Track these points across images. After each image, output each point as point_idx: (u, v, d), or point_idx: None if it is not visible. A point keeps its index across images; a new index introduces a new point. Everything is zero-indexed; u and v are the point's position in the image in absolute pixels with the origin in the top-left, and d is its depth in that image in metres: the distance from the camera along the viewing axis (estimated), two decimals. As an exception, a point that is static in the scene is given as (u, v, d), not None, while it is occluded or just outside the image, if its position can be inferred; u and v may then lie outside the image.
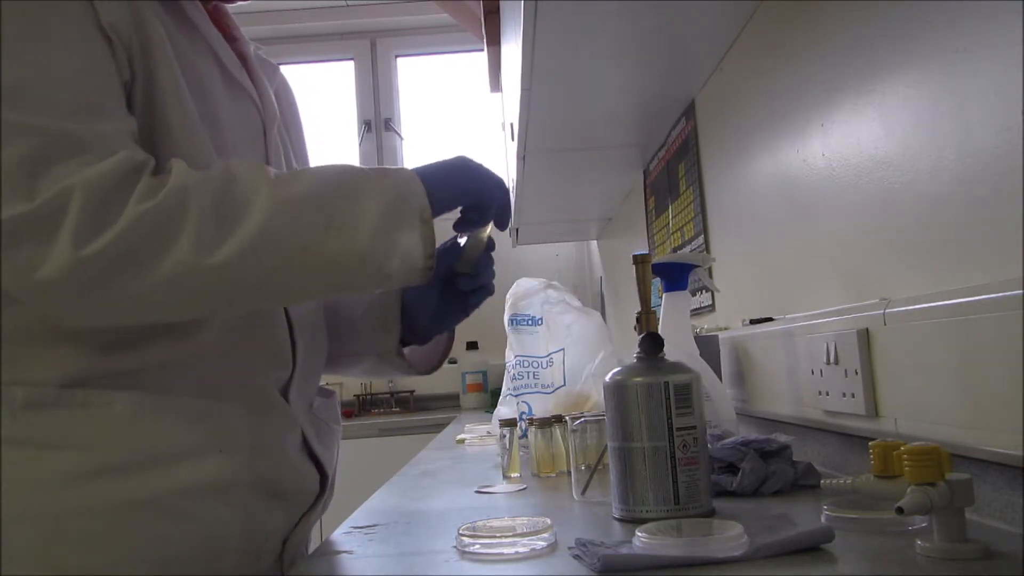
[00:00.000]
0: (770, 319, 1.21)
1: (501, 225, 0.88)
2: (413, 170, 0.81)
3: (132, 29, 0.75)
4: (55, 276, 0.65)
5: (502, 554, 0.72)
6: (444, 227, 0.84)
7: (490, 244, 0.94)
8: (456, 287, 0.96)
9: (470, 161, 0.85)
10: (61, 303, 0.69)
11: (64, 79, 0.71)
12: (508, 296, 1.61)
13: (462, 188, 0.84)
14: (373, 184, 0.77)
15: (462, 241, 0.95)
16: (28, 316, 0.74)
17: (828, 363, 0.95)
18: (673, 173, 1.87)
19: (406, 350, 1.02)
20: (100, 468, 0.73)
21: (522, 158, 1.95)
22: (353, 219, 0.74)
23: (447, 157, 0.85)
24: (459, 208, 0.85)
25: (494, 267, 0.96)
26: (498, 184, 0.86)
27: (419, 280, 0.79)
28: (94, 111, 0.71)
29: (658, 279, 1.20)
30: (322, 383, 1.00)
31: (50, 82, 0.70)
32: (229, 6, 0.96)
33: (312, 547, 0.83)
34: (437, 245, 0.81)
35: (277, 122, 0.94)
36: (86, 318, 0.71)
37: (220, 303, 0.75)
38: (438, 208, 0.79)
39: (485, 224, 0.89)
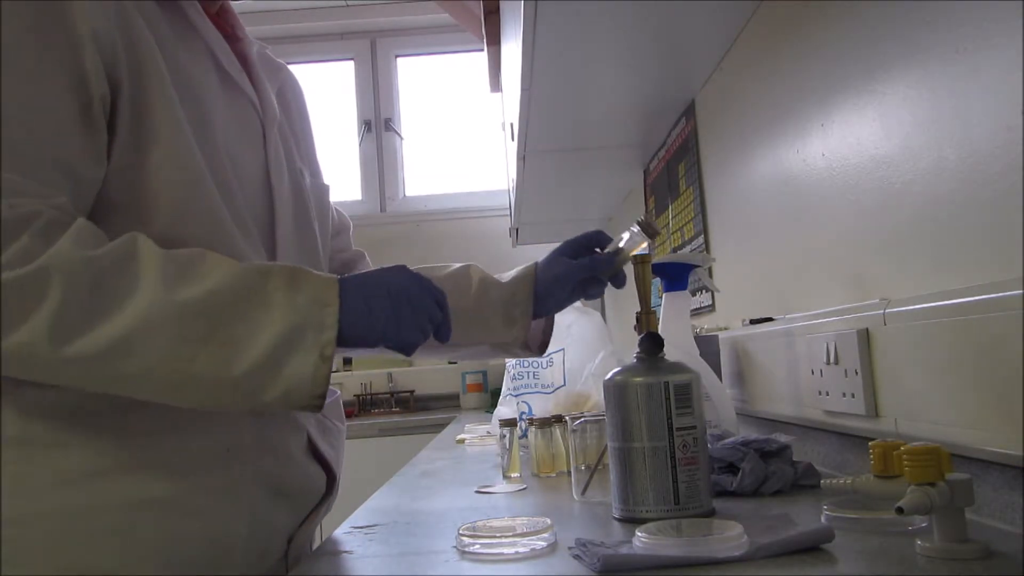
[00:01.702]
0: (770, 319, 1.21)
1: (440, 337, 0.80)
2: (334, 284, 0.73)
3: (118, 37, 0.73)
4: None
5: (502, 554, 0.72)
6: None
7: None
8: (580, 288, 1.01)
9: (397, 288, 0.76)
10: None
11: None
12: (508, 296, 1.62)
13: (380, 331, 0.75)
14: (278, 303, 0.70)
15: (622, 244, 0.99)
16: None
17: (828, 363, 0.95)
18: (673, 173, 1.87)
19: None
20: (107, 467, 0.73)
21: (522, 158, 1.95)
22: (239, 340, 0.68)
23: (384, 276, 0.78)
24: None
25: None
26: (425, 322, 0.78)
27: (305, 411, 0.72)
28: (15, 148, 0.67)
29: (658, 279, 1.20)
30: None
31: None
32: (234, 4, 0.95)
33: (313, 547, 0.83)
34: None
35: (277, 124, 0.92)
36: None
37: (75, 387, 0.70)
38: (346, 342, 0.72)
39: None
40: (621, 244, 0.99)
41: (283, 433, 0.85)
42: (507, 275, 1.07)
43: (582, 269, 1.00)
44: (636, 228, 0.96)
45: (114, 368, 0.67)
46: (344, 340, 0.72)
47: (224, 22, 0.92)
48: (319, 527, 0.96)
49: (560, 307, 1.06)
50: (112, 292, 0.67)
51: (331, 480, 0.93)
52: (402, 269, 0.82)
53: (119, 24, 0.74)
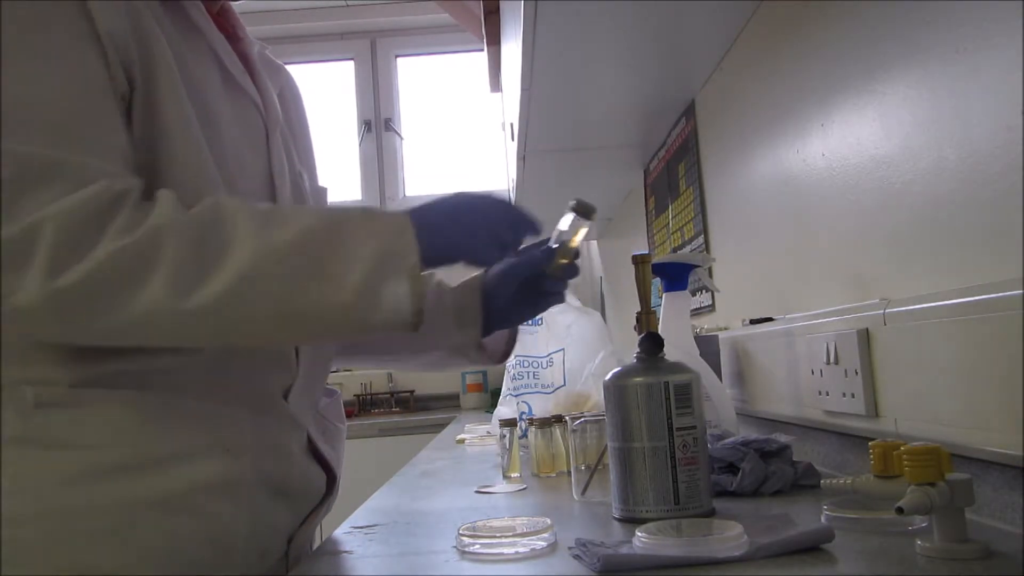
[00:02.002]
0: (770, 319, 1.21)
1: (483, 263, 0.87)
2: (406, 215, 0.77)
3: (131, 36, 0.74)
4: (28, 304, 0.65)
5: (502, 554, 0.72)
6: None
7: (576, 252, 0.93)
8: (533, 287, 0.98)
9: (468, 209, 0.82)
10: (37, 328, 0.69)
11: (48, 102, 0.69)
12: (508, 296, 1.62)
13: (455, 243, 0.81)
14: (361, 234, 0.74)
15: (554, 243, 0.95)
16: None
17: (828, 363, 0.95)
18: (673, 173, 1.87)
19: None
20: (109, 467, 0.73)
21: (522, 158, 1.95)
22: (338, 271, 0.72)
23: (446, 198, 0.83)
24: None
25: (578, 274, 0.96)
26: (504, 227, 0.84)
27: (406, 331, 0.76)
28: (75, 136, 0.70)
29: (658, 279, 1.20)
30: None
31: (33, 105, 0.69)
32: (234, 4, 0.95)
33: (313, 547, 0.83)
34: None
35: (280, 125, 0.93)
36: (65, 339, 0.72)
37: (193, 343, 0.74)
38: (429, 261, 0.77)
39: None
40: (562, 230, 0.94)
41: (283, 433, 0.85)
42: (457, 281, 1.07)
43: (523, 265, 0.98)
44: (571, 213, 0.93)
45: (233, 313, 0.70)
46: (427, 260, 0.76)
47: (225, 22, 0.92)
48: (319, 527, 0.96)
49: (512, 308, 1.02)
50: (216, 244, 0.70)
51: (331, 480, 0.93)
52: (484, 195, 0.85)
53: (131, 24, 0.75)
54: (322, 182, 1.06)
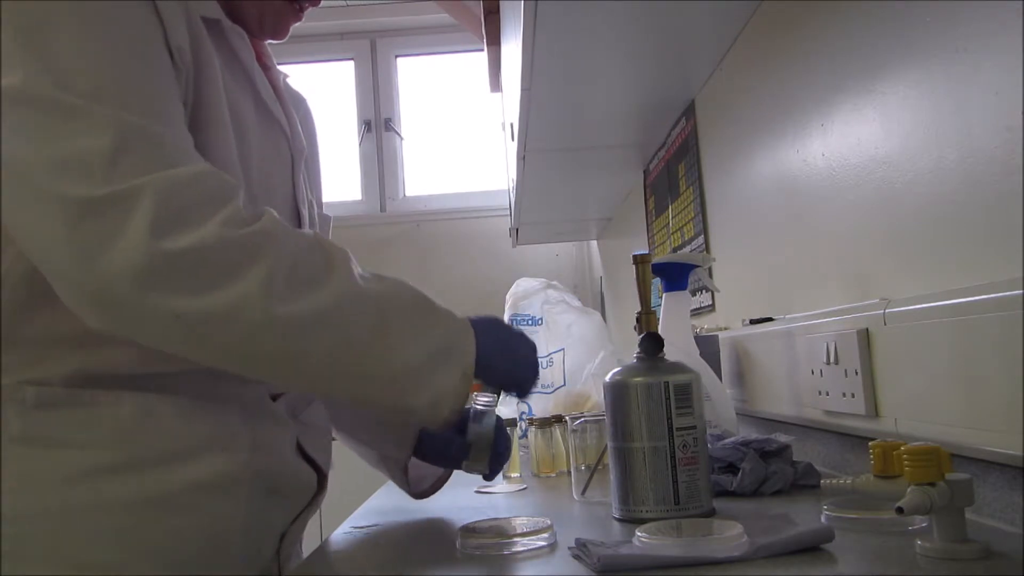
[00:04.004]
0: (770, 319, 1.21)
1: (521, 394, 0.87)
2: (470, 323, 0.81)
3: (190, 57, 0.76)
4: (121, 260, 0.64)
5: (502, 554, 0.72)
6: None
7: (500, 436, 0.87)
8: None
9: (521, 341, 0.86)
10: (110, 293, 0.66)
11: (144, 83, 0.71)
12: (508, 296, 1.61)
13: (504, 369, 0.84)
14: (439, 319, 0.78)
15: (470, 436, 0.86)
16: (41, 320, 0.74)
17: (828, 363, 0.95)
18: (673, 173, 1.87)
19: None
20: (108, 466, 0.73)
21: (522, 158, 1.95)
22: (406, 340, 0.74)
23: (502, 324, 0.86)
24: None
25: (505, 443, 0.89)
26: (534, 370, 0.86)
27: (436, 426, 0.78)
28: (171, 119, 0.72)
29: (658, 279, 1.20)
30: None
31: (131, 83, 0.70)
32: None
33: (313, 546, 0.83)
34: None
35: (304, 155, 0.95)
36: (116, 322, 0.69)
37: (245, 358, 0.71)
38: (479, 371, 0.79)
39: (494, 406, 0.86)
40: (474, 425, 0.85)
41: (274, 432, 0.85)
42: None
43: (440, 459, 0.95)
44: (484, 397, 0.85)
45: (306, 340, 0.70)
46: (476, 369, 0.78)
47: (257, 50, 0.93)
48: (319, 527, 0.96)
49: (445, 457, 0.95)
50: (313, 269, 0.72)
51: (321, 479, 0.93)
52: (517, 331, 0.89)
53: (191, 46, 0.77)
54: (323, 183, 1.08)
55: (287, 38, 0.94)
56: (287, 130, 0.92)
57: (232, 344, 0.70)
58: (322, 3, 0.96)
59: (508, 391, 0.86)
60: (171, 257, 0.65)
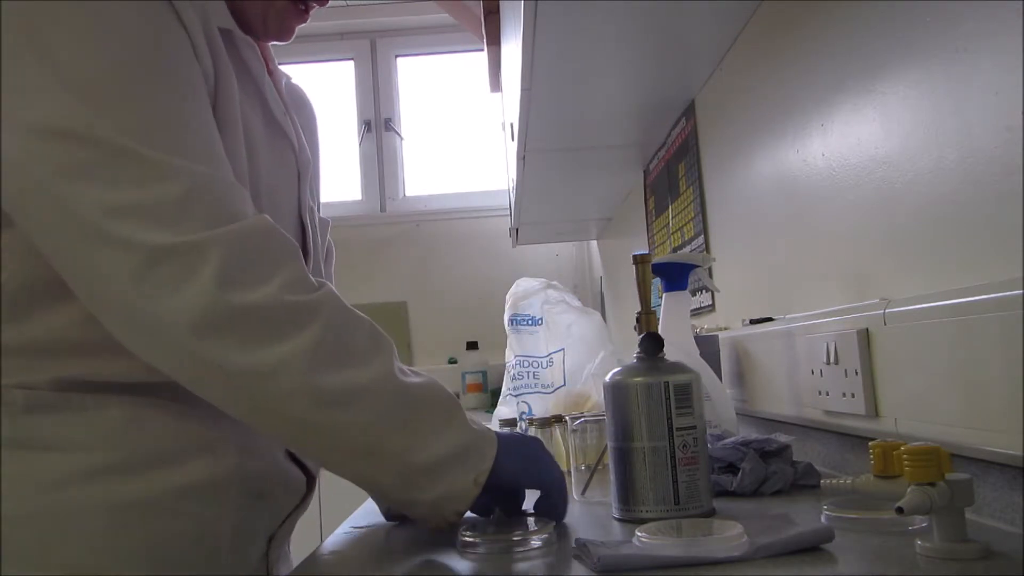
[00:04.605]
0: (770, 319, 1.21)
1: (556, 517, 0.81)
2: (495, 436, 0.79)
3: (213, 80, 0.77)
4: (185, 306, 0.66)
5: (502, 554, 0.72)
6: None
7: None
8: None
9: (545, 464, 0.82)
10: (166, 336, 0.68)
11: (200, 127, 0.72)
12: (508, 296, 1.61)
13: (517, 481, 0.81)
14: (465, 424, 0.77)
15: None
16: (33, 328, 0.74)
17: (828, 363, 0.95)
18: (673, 173, 1.87)
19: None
20: (97, 469, 0.73)
21: (522, 158, 1.95)
22: (429, 436, 0.74)
23: (531, 443, 0.84)
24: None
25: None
26: (560, 491, 0.82)
27: (435, 524, 0.77)
28: (225, 161, 0.73)
29: (658, 279, 1.20)
30: None
31: (190, 128, 0.71)
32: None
33: (312, 547, 0.83)
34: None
35: (310, 168, 0.94)
36: (164, 364, 0.70)
37: (274, 419, 0.72)
38: (493, 477, 0.77)
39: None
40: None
41: (263, 438, 0.85)
42: None
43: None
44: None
45: (332, 413, 0.70)
46: (493, 476, 0.76)
47: (262, 52, 0.93)
48: (319, 528, 0.96)
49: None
50: (356, 348, 0.73)
51: (310, 481, 0.93)
52: (541, 446, 0.86)
53: (214, 68, 0.77)
54: (322, 183, 1.08)
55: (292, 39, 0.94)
56: (294, 143, 0.92)
57: (264, 402, 0.70)
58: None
59: (538, 513, 0.81)
60: (232, 310, 0.67)
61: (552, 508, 0.80)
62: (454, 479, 0.74)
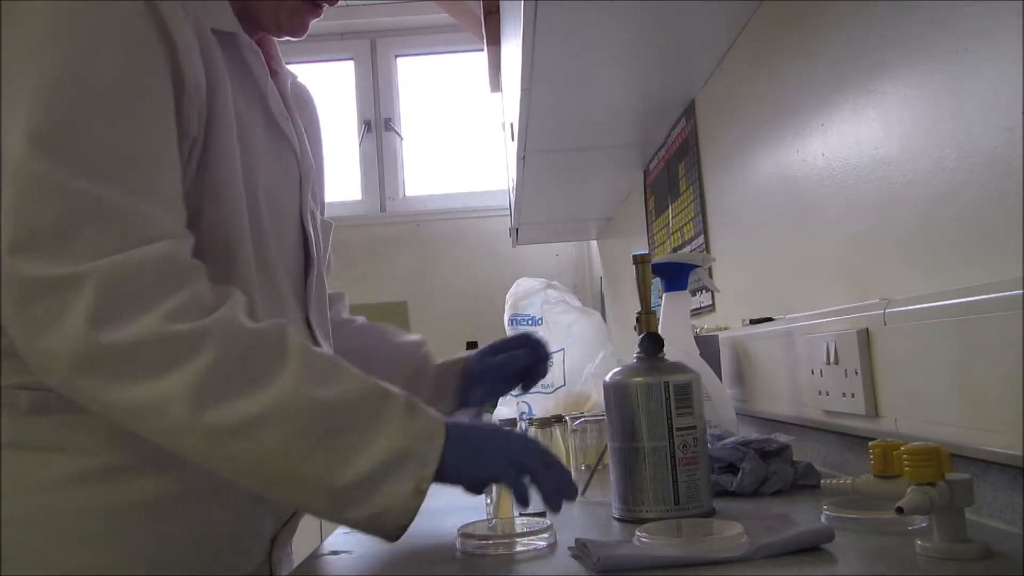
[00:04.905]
0: (770, 319, 1.21)
1: (552, 506, 0.74)
2: (442, 425, 0.72)
3: (204, 90, 0.74)
4: (59, 346, 0.64)
5: (502, 554, 0.72)
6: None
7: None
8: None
9: (499, 439, 0.75)
10: (54, 370, 0.66)
11: (121, 142, 0.68)
12: (508, 296, 1.62)
13: (476, 476, 0.74)
14: (392, 423, 0.70)
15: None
16: None
17: (828, 363, 0.95)
18: (673, 173, 1.87)
19: None
20: (99, 470, 0.73)
21: (522, 158, 1.95)
22: (349, 450, 0.68)
23: (484, 432, 0.76)
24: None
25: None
26: (547, 468, 0.75)
27: (380, 537, 0.71)
28: (147, 181, 0.69)
29: (658, 279, 1.20)
30: None
31: (104, 145, 0.67)
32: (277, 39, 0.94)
33: (312, 547, 0.83)
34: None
35: (313, 173, 0.93)
36: (69, 393, 0.68)
37: (181, 452, 0.69)
38: (444, 477, 0.71)
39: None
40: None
41: None
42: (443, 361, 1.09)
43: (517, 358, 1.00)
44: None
45: (232, 446, 0.66)
46: (441, 477, 0.70)
47: (264, 54, 0.91)
48: (319, 528, 0.96)
49: (482, 401, 1.06)
50: (257, 371, 0.67)
51: None
52: (516, 434, 0.81)
53: (209, 79, 0.75)
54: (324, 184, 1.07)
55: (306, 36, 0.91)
56: (297, 148, 0.90)
57: (157, 436, 0.68)
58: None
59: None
60: (106, 349, 0.64)
61: (551, 492, 0.73)
62: (390, 492, 0.68)
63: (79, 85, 0.67)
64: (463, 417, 1.02)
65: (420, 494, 0.69)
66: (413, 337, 1.11)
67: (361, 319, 1.13)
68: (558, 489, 0.73)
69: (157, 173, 0.70)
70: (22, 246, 0.64)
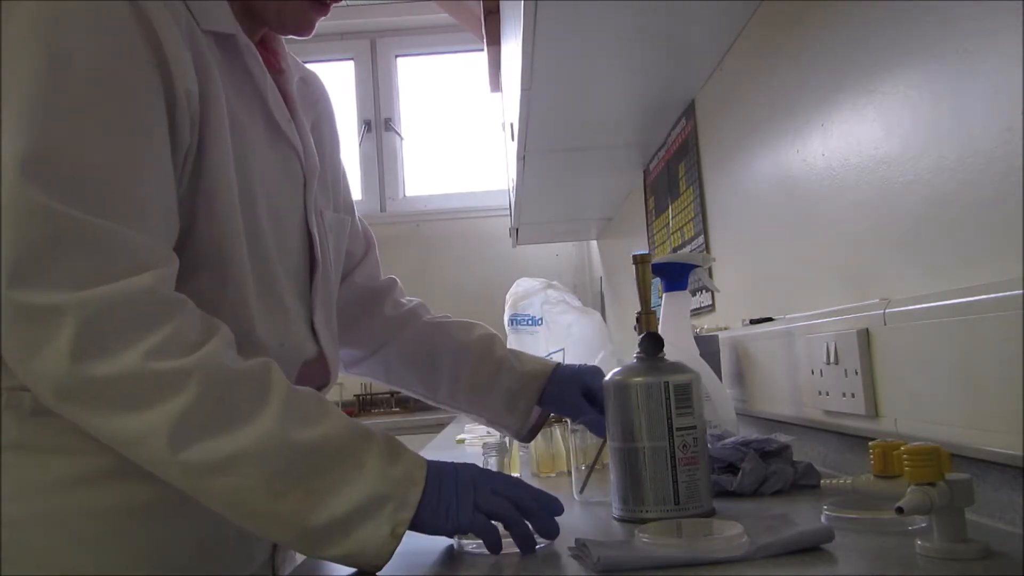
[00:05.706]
0: (770, 319, 1.21)
1: (523, 549, 0.73)
2: (424, 469, 0.72)
3: (197, 98, 0.74)
4: (43, 372, 0.65)
5: (502, 554, 0.72)
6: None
7: None
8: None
9: (484, 480, 0.74)
10: (40, 393, 0.67)
11: (105, 165, 0.67)
12: (508, 296, 1.62)
13: (455, 527, 0.72)
14: (371, 467, 0.69)
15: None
16: None
17: (828, 363, 0.95)
18: (673, 173, 1.87)
19: None
20: (102, 472, 0.73)
21: (522, 158, 1.95)
22: (326, 492, 0.68)
23: (465, 472, 0.75)
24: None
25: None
26: (534, 509, 0.74)
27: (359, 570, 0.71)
28: (132, 208, 0.68)
29: (658, 279, 1.20)
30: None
31: (89, 165, 0.66)
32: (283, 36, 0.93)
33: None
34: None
35: (317, 173, 0.91)
36: (60, 411, 0.69)
37: (159, 475, 0.69)
38: (422, 526, 0.71)
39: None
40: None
41: None
42: (526, 361, 1.08)
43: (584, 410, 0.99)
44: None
45: (209, 482, 0.67)
46: (416, 524, 0.71)
47: (268, 51, 0.90)
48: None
49: (563, 412, 1.07)
50: (237, 409, 0.67)
51: None
52: (509, 479, 0.79)
53: (201, 84, 0.74)
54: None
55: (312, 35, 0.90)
56: (299, 150, 0.89)
57: (141, 464, 0.68)
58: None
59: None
60: (87, 382, 0.64)
61: (521, 539, 0.73)
62: (366, 534, 0.68)
63: (64, 97, 0.66)
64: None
65: (396, 538, 0.69)
66: (481, 332, 1.12)
67: (432, 315, 1.17)
68: (525, 537, 0.72)
69: (143, 190, 0.69)
70: (10, 271, 0.64)
